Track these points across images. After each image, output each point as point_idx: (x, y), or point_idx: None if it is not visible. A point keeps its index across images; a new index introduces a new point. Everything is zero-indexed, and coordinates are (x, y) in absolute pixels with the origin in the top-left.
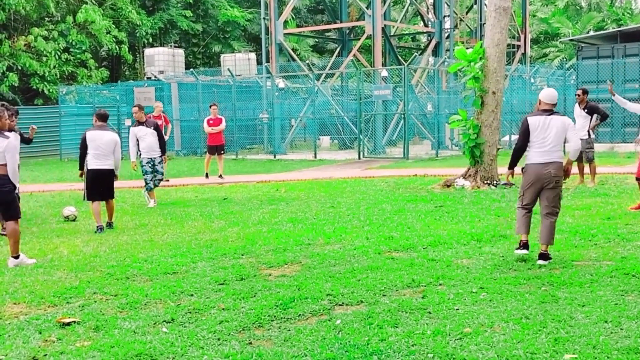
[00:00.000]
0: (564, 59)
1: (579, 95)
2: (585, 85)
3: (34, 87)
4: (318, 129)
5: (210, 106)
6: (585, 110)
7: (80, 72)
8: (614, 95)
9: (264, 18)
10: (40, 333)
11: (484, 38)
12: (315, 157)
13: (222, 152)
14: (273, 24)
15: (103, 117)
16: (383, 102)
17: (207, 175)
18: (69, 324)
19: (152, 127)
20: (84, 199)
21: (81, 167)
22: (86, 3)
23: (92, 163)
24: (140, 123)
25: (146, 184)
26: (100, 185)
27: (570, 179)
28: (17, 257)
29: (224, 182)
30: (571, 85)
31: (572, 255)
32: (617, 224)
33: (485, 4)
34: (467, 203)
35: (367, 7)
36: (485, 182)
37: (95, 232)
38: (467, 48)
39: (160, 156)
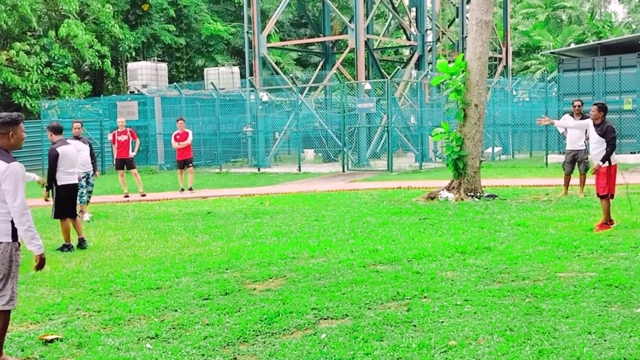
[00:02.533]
0: (546, 72)
1: (577, 107)
2: (566, 98)
3: (16, 101)
4: (302, 142)
5: (177, 121)
6: None
7: (62, 87)
8: (552, 123)
9: (247, 32)
10: (23, 350)
11: (466, 51)
12: (300, 170)
13: (191, 165)
14: (256, 37)
15: (61, 130)
16: (367, 115)
17: (182, 190)
18: (51, 341)
19: (88, 144)
20: (54, 217)
21: (51, 186)
22: (68, 17)
23: (64, 179)
24: (76, 138)
25: (80, 196)
26: (73, 201)
27: (556, 190)
28: None
29: (210, 195)
30: (552, 98)
31: (556, 266)
32: (599, 235)
33: (467, 18)
34: (451, 215)
35: (350, 21)
36: (469, 194)
37: (63, 250)
38: (449, 61)
39: (93, 171)
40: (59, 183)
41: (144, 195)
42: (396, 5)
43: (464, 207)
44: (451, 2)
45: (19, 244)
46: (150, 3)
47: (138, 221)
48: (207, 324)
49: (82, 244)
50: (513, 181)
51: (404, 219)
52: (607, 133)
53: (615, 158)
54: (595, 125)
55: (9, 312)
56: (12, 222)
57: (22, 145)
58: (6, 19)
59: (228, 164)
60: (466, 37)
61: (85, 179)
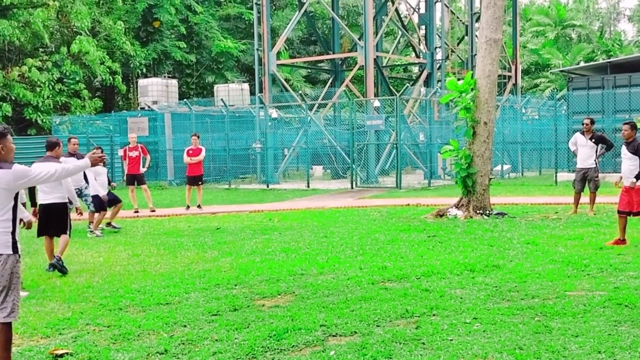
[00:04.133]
0: (555, 90)
1: (587, 125)
2: (576, 116)
3: (27, 117)
4: (311, 158)
5: (191, 136)
6: (593, 140)
7: (73, 102)
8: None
9: (257, 49)
10: None
11: (475, 69)
12: (308, 186)
13: (201, 182)
14: (266, 55)
15: (52, 146)
16: (375, 132)
17: (188, 207)
18: (61, 355)
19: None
20: (37, 235)
21: (33, 204)
22: (80, 34)
23: (41, 198)
24: (71, 154)
25: (88, 206)
26: (51, 220)
27: (566, 208)
28: None
29: (219, 211)
30: (562, 116)
31: (565, 285)
32: (609, 254)
33: (477, 36)
34: (460, 233)
35: (359, 39)
36: (478, 211)
37: (47, 269)
38: (458, 79)
39: (87, 185)
40: (38, 202)
41: (153, 211)
42: (405, 23)
43: (473, 224)
44: (460, 21)
45: (19, 256)
46: (162, 20)
47: (147, 236)
48: (216, 340)
49: (56, 263)
50: (522, 199)
51: (412, 236)
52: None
53: None
54: (627, 144)
55: (11, 324)
56: (12, 233)
57: (12, 156)
58: (19, 35)
59: (237, 180)
60: (475, 55)
61: (78, 194)
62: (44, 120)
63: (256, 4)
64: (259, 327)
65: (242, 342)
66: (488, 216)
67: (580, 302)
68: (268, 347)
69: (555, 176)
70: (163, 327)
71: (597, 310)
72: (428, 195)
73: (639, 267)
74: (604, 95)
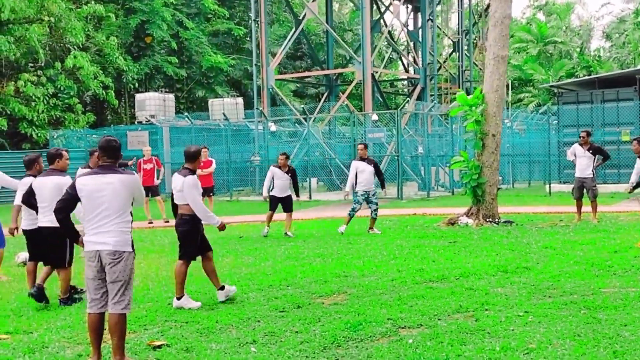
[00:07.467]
0: (539, 104)
1: (583, 137)
2: (566, 129)
3: (22, 131)
4: (310, 171)
5: (201, 149)
6: (590, 151)
7: (67, 117)
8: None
9: (255, 64)
10: (137, 354)
11: (484, 84)
12: (310, 197)
13: (212, 193)
14: (265, 70)
15: (49, 158)
16: (373, 145)
17: None
18: (159, 346)
19: (372, 164)
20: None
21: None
22: (73, 49)
23: (28, 221)
24: (362, 159)
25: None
26: (41, 246)
27: (569, 217)
28: (180, 298)
29: (232, 222)
30: (550, 129)
31: (597, 283)
32: (626, 256)
33: (466, 54)
34: (478, 239)
35: (355, 54)
36: (487, 219)
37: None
38: (445, 94)
39: (375, 190)
40: (21, 226)
41: (167, 222)
42: (395, 39)
43: (487, 231)
44: (447, 37)
45: (135, 253)
46: (153, 36)
47: (175, 245)
48: (296, 332)
49: (70, 300)
50: (522, 209)
51: (433, 243)
52: None
53: None
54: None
55: (126, 316)
56: (130, 233)
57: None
58: (15, 50)
59: (235, 192)
60: (465, 70)
61: (365, 197)
62: (39, 135)
63: (255, 20)
64: (330, 321)
65: (322, 333)
66: (497, 224)
67: (617, 297)
68: (349, 337)
69: (549, 187)
70: (239, 322)
71: (635, 304)
72: (430, 205)
73: None
74: (592, 109)
